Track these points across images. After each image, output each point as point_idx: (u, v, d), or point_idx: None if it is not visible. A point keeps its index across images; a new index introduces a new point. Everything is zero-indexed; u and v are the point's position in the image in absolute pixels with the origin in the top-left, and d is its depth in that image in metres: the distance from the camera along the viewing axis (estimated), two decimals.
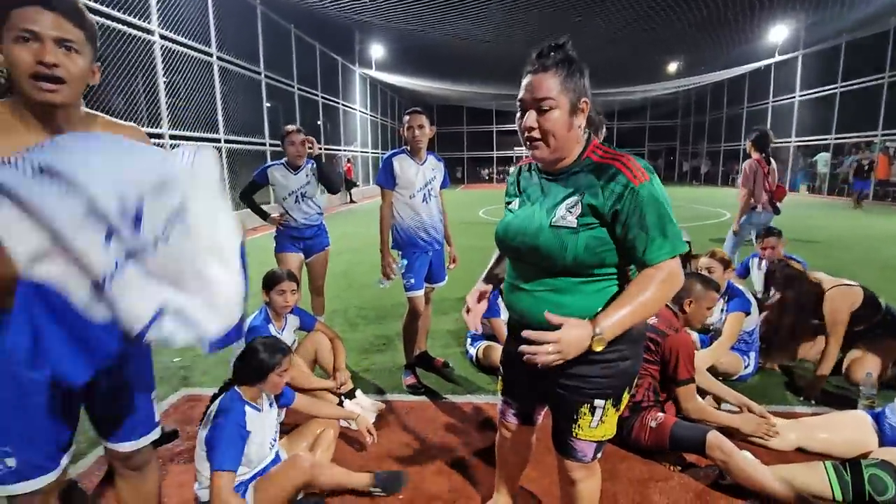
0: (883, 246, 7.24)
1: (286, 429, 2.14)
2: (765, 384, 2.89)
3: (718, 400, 2.47)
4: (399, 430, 2.42)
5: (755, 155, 4.55)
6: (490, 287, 1.52)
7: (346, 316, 4.30)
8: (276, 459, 1.86)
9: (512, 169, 1.46)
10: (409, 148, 2.78)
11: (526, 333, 1.13)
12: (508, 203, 1.39)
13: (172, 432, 2.32)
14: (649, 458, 2.14)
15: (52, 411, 1.17)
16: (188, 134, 8.55)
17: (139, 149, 1.06)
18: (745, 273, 3.88)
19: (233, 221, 1.11)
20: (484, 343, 3.14)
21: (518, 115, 1.24)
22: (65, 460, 1.24)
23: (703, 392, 2.44)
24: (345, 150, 17.28)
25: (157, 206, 0.97)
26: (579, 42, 1.21)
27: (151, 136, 5.86)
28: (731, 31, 14.68)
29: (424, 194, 2.79)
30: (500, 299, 2.91)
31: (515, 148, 29.08)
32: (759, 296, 3.68)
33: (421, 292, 2.83)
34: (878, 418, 2.10)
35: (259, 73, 11.36)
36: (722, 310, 2.92)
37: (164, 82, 7.89)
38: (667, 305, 2.31)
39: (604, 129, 4.41)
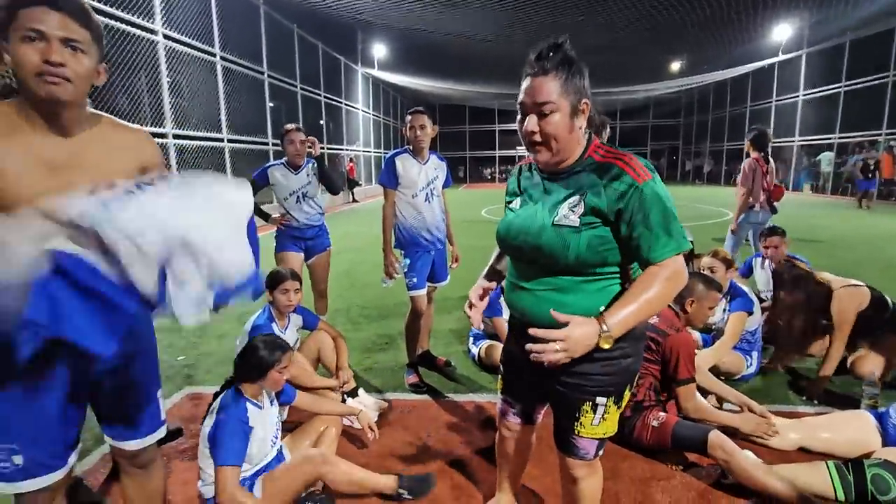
0: (887, 245, 7.21)
1: (289, 426, 2.15)
2: (767, 384, 2.89)
3: (721, 400, 2.47)
4: (401, 428, 2.43)
5: (754, 154, 4.55)
6: (493, 284, 1.53)
7: (349, 315, 4.31)
8: (279, 456, 1.87)
9: (513, 168, 1.46)
10: (411, 147, 2.79)
11: (533, 331, 1.12)
12: (509, 202, 1.40)
13: (177, 430, 2.33)
14: (651, 457, 2.14)
15: (59, 410, 1.17)
16: (191, 133, 8.58)
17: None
18: (748, 272, 3.87)
19: (243, 194, 1.14)
20: (486, 342, 3.15)
21: (518, 117, 1.24)
22: (72, 458, 1.25)
23: (705, 392, 2.44)
24: (347, 150, 17.30)
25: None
26: (581, 41, 1.21)
27: (155, 135, 5.87)
28: (735, 30, 14.63)
29: (427, 194, 2.80)
30: (501, 298, 2.92)
31: (518, 147, 29.04)
32: (762, 295, 3.68)
33: (423, 291, 2.84)
34: (882, 418, 2.09)
35: (262, 73, 11.38)
36: (724, 309, 2.91)
37: (168, 82, 7.92)
38: (668, 305, 2.31)
39: (608, 129, 4.39)
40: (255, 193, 3.37)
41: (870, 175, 12.22)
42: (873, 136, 14.75)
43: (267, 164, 3.30)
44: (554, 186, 1.26)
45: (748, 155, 4.63)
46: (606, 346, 1.12)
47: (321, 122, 15.17)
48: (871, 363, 2.64)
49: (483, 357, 3.10)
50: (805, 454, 2.13)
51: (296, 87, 13.29)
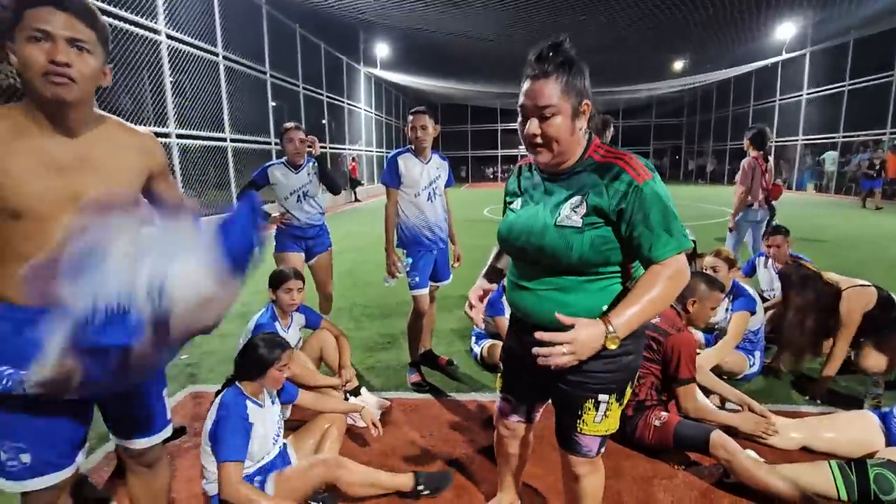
0: (891, 245, 7.18)
1: (293, 425, 2.16)
2: (770, 384, 2.88)
3: (723, 400, 2.46)
4: (403, 427, 2.43)
5: (753, 153, 4.55)
6: (493, 287, 1.53)
7: (352, 314, 4.32)
8: (283, 454, 1.88)
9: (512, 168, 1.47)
10: (413, 147, 2.79)
11: (539, 335, 1.12)
12: (510, 203, 1.40)
13: (180, 428, 2.35)
14: (653, 456, 2.14)
15: (67, 410, 1.18)
16: (194, 133, 8.60)
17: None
18: (751, 272, 3.86)
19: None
20: (488, 341, 3.15)
21: (519, 120, 1.24)
22: (79, 458, 1.26)
23: (707, 391, 2.43)
24: (350, 150, 17.31)
25: None
26: (583, 41, 1.21)
27: (158, 135, 5.88)
28: (738, 28, 14.58)
29: (429, 193, 2.80)
30: (503, 297, 2.92)
31: (519, 147, 29.00)
32: (765, 294, 3.67)
33: (425, 291, 2.84)
34: (886, 418, 2.08)
35: (264, 73, 11.40)
36: (727, 309, 2.91)
37: (171, 82, 7.94)
38: (670, 304, 2.31)
39: (611, 128, 4.38)
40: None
41: (875, 175, 12.13)
42: (877, 135, 14.67)
43: (267, 164, 3.28)
44: (555, 187, 1.26)
45: (747, 153, 4.62)
46: (613, 347, 1.13)
47: (323, 121, 15.19)
48: (875, 361, 2.63)
49: (485, 356, 3.10)
50: (808, 454, 2.12)
51: (298, 86, 13.30)
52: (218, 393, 1.80)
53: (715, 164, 26.23)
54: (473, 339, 3.30)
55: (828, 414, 2.31)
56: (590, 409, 1.29)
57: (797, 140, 18.02)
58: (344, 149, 16.76)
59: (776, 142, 18.81)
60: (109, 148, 1.18)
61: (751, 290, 2.97)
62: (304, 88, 13.58)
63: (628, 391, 1.32)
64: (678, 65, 20.27)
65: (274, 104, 11.83)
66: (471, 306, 1.47)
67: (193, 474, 2.00)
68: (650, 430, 2.12)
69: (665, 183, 1.20)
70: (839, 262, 5.79)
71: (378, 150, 21.06)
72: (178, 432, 2.32)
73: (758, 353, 2.94)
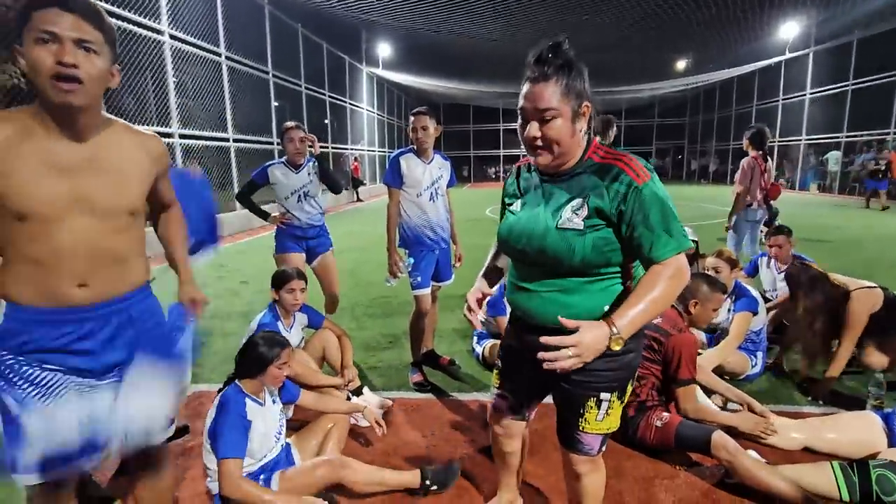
0: (894, 245, 7.15)
1: (295, 426, 2.16)
2: (773, 384, 2.88)
3: (726, 401, 2.46)
4: (405, 427, 2.44)
5: (752, 152, 4.53)
6: (492, 291, 1.54)
7: (354, 313, 4.33)
8: (286, 452, 1.89)
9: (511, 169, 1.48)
10: (415, 147, 2.80)
11: (545, 340, 1.13)
12: (509, 204, 1.39)
13: (183, 427, 2.36)
14: (655, 456, 2.14)
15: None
16: (197, 133, 8.63)
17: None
18: (753, 272, 3.86)
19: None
20: (490, 341, 3.15)
21: (519, 122, 1.24)
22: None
23: (709, 391, 2.43)
24: (352, 149, 17.33)
25: None
26: (586, 40, 1.21)
27: (161, 135, 5.90)
28: (741, 28, 14.53)
29: (431, 193, 2.80)
30: (505, 297, 2.92)
31: (522, 146, 28.97)
32: (768, 295, 3.66)
33: (427, 290, 2.85)
34: (888, 419, 2.08)
35: (267, 73, 11.43)
36: (729, 309, 2.90)
37: (174, 82, 7.97)
38: (672, 305, 2.31)
39: (614, 128, 4.35)
40: (253, 193, 3.36)
41: (881, 175, 12.06)
42: (881, 134, 14.61)
43: (267, 163, 3.26)
44: (555, 189, 1.26)
45: (747, 153, 4.62)
46: (617, 348, 1.13)
47: (326, 121, 15.21)
48: (877, 359, 2.62)
49: (487, 356, 3.11)
50: (810, 454, 2.12)
51: (300, 86, 13.33)
52: (220, 392, 1.82)
53: (717, 164, 26.15)
54: (475, 338, 3.31)
55: (830, 414, 2.30)
56: (592, 407, 1.30)
57: (800, 140, 17.95)
58: (346, 149, 16.78)
59: (779, 142, 18.76)
60: (117, 151, 1.19)
61: (753, 291, 2.96)
62: (306, 88, 13.61)
63: (629, 389, 1.33)
64: (681, 64, 20.23)
65: (276, 104, 11.86)
66: (469, 309, 1.47)
67: (196, 473, 2.01)
68: (652, 431, 2.12)
69: (667, 183, 1.21)
70: (843, 262, 5.77)
71: (380, 149, 21.08)
72: (181, 431, 2.33)
73: (760, 354, 2.93)
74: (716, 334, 3.07)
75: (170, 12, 7.90)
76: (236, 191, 9.45)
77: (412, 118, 2.77)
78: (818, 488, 1.79)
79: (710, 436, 1.94)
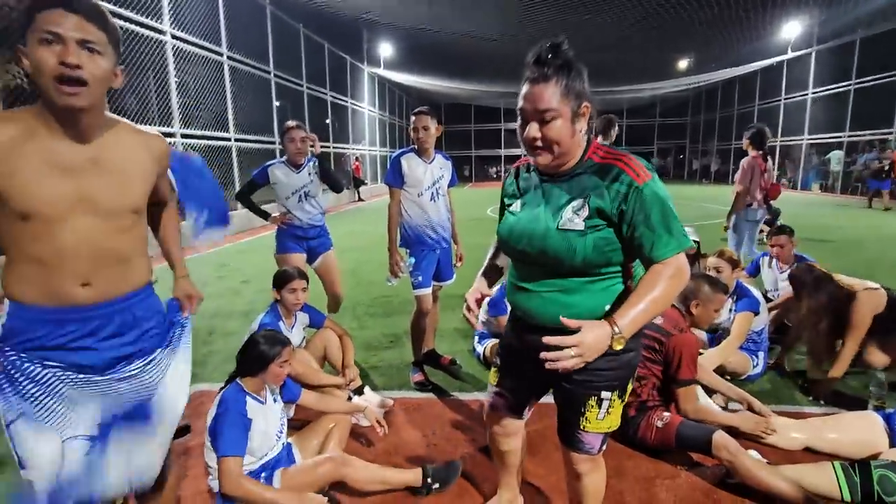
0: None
1: (296, 425, 2.17)
2: (775, 384, 2.87)
3: (727, 400, 2.46)
4: (406, 426, 2.44)
5: (752, 152, 4.53)
6: (491, 292, 1.54)
7: (355, 313, 4.34)
8: (287, 451, 1.89)
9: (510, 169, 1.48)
10: (416, 147, 2.80)
11: (547, 340, 1.13)
12: (509, 205, 1.39)
13: (185, 427, 2.36)
14: (656, 456, 2.14)
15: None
16: (199, 133, 8.64)
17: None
18: (755, 272, 3.85)
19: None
20: (491, 341, 3.15)
21: (519, 122, 1.24)
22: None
23: (710, 391, 2.43)
24: (353, 149, 17.35)
25: None
26: (587, 40, 1.21)
27: (163, 134, 5.92)
28: (743, 27, 14.49)
29: (432, 192, 2.81)
30: (506, 297, 2.92)
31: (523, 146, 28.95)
32: (769, 295, 3.66)
33: (428, 290, 2.85)
34: (890, 419, 2.08)
35: (269, 73, 11.44)
36: (730, 309, 2.90)
37: (176, 82, 7.98)
38: (673, 305, 2.31)
39: (615, 127, 4.35)
40: (253, 193, 3.36)
41: (884, 175, 12.01)
42: (883, 134, 14.57)
43: (267, 163, 3.24)
44: (555, 189, 1.26)
45: (747, 153, 4.61)
46: (619, 348, 1.14)
47: (327, 121, 15.22)
48: (878, 358, 2.61)
49: (488, 356, 3.11)
50: (811, 454, 2.12)
51: (302, 86, 13.34)
52: (221, 390, 1.82)
53: (719, 164, 26.09)
54: (476, 338, 3.31)
55: (831, 414, 2.30)
56: (593, 406, 1.30)
57: (802, 139, 17.90)
58: (347, 148, 16.79)
59: (781, 141, 18.71)
60: (120, 151, 1.20)
61: (754, 291, 2.96)
62: (307, 88, 13.62)
63: (629, 388, 1.34)
64: (683, 64, 20.17)
65: (278, 104, 11.87)
66: (468, 309, 1.47)
67: (198, 472, 2.01)
68: (652, 431, 2.12)
69: (669, 183, 1.22)
70: (845, 262, 5.76)
71: (382, 149, 21.09)
72: (183, 430, 2.33)
73: (761, 354, 2.93)
74: (717, 334, 3.07)
75: (172, 12, 7.91)
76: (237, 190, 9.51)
77: (413, 118, 2.77)
78: (819, 488, 1.79)
79: (711, 436, 1.94)
